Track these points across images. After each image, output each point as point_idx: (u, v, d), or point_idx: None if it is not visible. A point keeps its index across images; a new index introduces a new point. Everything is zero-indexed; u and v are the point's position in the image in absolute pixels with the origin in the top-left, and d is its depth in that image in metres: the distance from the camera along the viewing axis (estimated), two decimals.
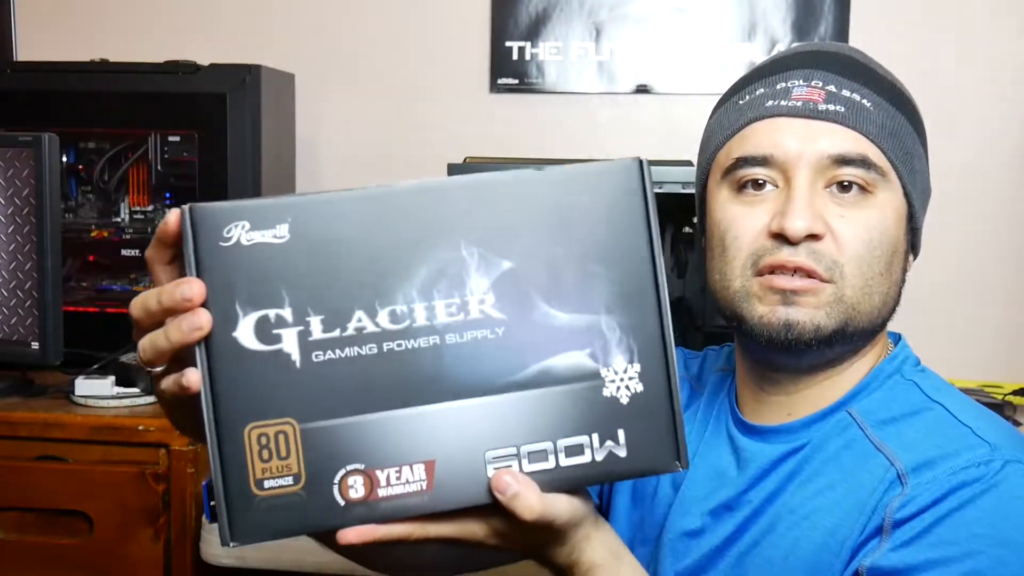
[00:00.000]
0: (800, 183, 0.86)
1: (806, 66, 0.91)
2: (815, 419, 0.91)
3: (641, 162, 0.72)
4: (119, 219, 2.02)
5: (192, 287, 0.67)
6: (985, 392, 1.86)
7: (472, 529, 0.72)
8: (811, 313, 0.86)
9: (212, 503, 0.69)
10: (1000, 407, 1.77)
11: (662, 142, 2.12)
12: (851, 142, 0.87)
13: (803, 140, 0.87)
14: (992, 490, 0.80)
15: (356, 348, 0.69)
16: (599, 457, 0.72)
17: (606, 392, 0.71)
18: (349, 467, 0.69)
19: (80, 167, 2.02)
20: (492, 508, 0.71)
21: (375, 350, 0.69)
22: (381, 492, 0.69)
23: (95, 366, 1.83)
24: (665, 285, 0.73)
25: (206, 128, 1.95)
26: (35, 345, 1.73)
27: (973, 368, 1.99)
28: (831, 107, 0.88)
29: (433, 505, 0.70)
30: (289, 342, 0.68)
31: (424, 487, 0.69)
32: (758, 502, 0.90)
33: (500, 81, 2.19)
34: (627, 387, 0.72)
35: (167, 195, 2.00)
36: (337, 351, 0.68)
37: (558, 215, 0.71)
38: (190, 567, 1.68)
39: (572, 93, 2.18)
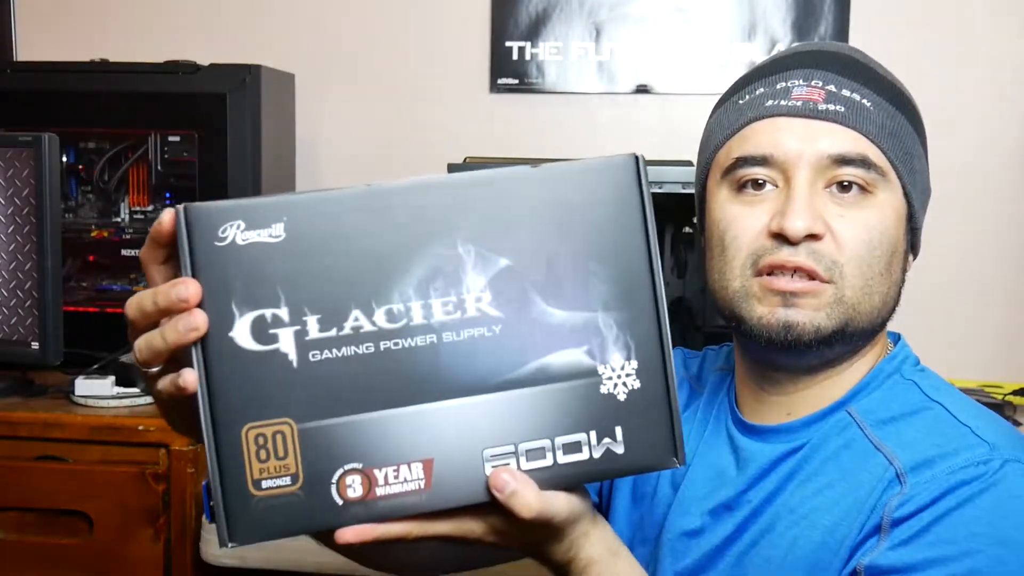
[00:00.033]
0: (800, 183, 0.86)
1: (806, 66, 0.90)
2: (814, 419, 0.91)
3: (637, 158, 0.72)
4: (119, 219, 2.02)
5: (188, 288, 0.66)
6: (985, 392, 1.86)
7: (470, 527, 0.72)
8: (811, 315, 0.86)
9: (212, 503, 0.69)
10: (1000, 407, 1.77)
11: (662, 142, 2.12)
12: (851, 142, 0.87)
13: (803, 140, 0.87)
14: (991, 489, 0.80)
15: (353, 347, 0.68)
16: (597, 454, 0.72)
17: (603, 389, 0.71)
18: (347, 466, 0.69)
19: (80, 167, 2.02)
20: (490, 506, 0.70)
21: (372, 349, 0.69)
22: (379, 491, 0.69)
23: (95, 366, 1.83)
24: (662, 281, 0.73)
25: (206, 128, 1.95)
26: (35, 345, 1.73)
27: (973, 368, 1.99)
28: (831, 107, 0.87)
29: (431, 504, 0.70)
30: (286, 342, 0.68)
31: (422, 486, 0.69)
32: (757, 502, 0.90)
33: (500, 81, 2.19)
34: (624, 384, 0.72)
35: (167, 195, 2.00)
36: (334, 350, 0.68)
37: (554, 212, 0.71)
38: (190, 567, 1.68)
39: (572, 93, 2.18)
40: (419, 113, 2.21)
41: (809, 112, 0.88)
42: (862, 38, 2.04)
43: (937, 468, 0.82)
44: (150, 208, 2.01)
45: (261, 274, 0.67)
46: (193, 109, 1.95)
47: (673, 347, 1.10)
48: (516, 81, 2.18)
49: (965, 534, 0.79)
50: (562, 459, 0.71)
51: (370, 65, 2.23)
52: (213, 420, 0.67)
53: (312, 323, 0.68)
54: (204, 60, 1.98)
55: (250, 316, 0.67)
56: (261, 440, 0.68)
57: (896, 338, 0.96)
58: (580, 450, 0.71)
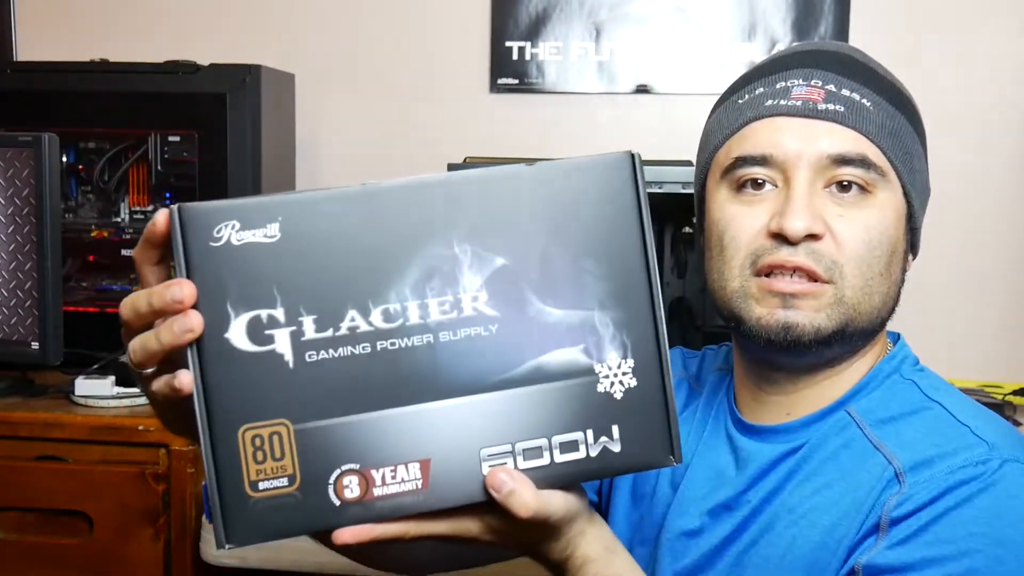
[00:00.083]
0: (799, 183, 0.86)
1: (806, 65, 0.90)
2: (814, 419, 0.91)
3: (633, 156, 0.72)
4: (119, 219, 2.02)
5: (183, 289, 0.66)
6: (985, 392, 1.86)
7: (467, 526, 0.72)
8: (811, 315, 0.86)
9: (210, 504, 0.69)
10: (1000, 407, 1.77)
11: (662, 142, 2.12)
12: (851, 142, 0.87)
13: (803, 140, 0.87)
14: (990, 489, 0.80)
15: (349, 347, 0.68)
16: (593, 453, 0.72)
17: (600, 388, 0.71)
18: (344, 467, 0.68)
19: (80, 167, 2.02)
20: (487, 505, 0.71)
21: (369, 349, 0.68)
22: (376, 492, 0.69)
23: (95, 366, 1.83)
24: (658, 280, 0.73)
25: (206, 128, 1.95)
26: (35, 345, 1.73)
27: (973, 368, 1.99)
28: (831, 107, 0.87)
29: (428, 504, 0.70)
30: (282, 342, 0.68)
31: (419, 486, 0.69)
32: (757, 502, 0.90)
33: (500, 81, 2.19)
34: (621, 382, 0.72)
35: (167, 195, 2.00)
36: (330, 351, 0.68)
37: (550, 211, 0.71)
38: (190, 567, 1.68)
39: (572, 93, 2.18)
40: (419, 113, 2.21)
41: (809, 112, 0.87)
42: (862, 38, 2.04)
43: (936, 468, 0.82)
44: (150, 208, 2.01)
45: (256, 274, 0.67)
46: (193, 109, 1.95)
47: (672, 347, 1.11)
48: (516, 81, 2.18)
49: (963, 534, 0.79)
50: (559, 458, 0.71)
51: (370, 65, 2.23)
52: (209, 421, 0.67)
53: (308, 323, 0.68)
54: (204, 60, 1.98)
55: (246, 317, 0.67)
56: (258, 441, 0.68)
57: (895, 338, 0.96)
58: (577, 449, 0.71)
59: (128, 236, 2.01)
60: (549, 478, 0.71)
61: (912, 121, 0.92)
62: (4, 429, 1.70)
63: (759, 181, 0.88)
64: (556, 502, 0.72)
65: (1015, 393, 1.85)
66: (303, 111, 2.19)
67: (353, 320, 0.68)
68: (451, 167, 1.70)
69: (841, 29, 2.07)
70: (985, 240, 2.07)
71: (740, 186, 0.89)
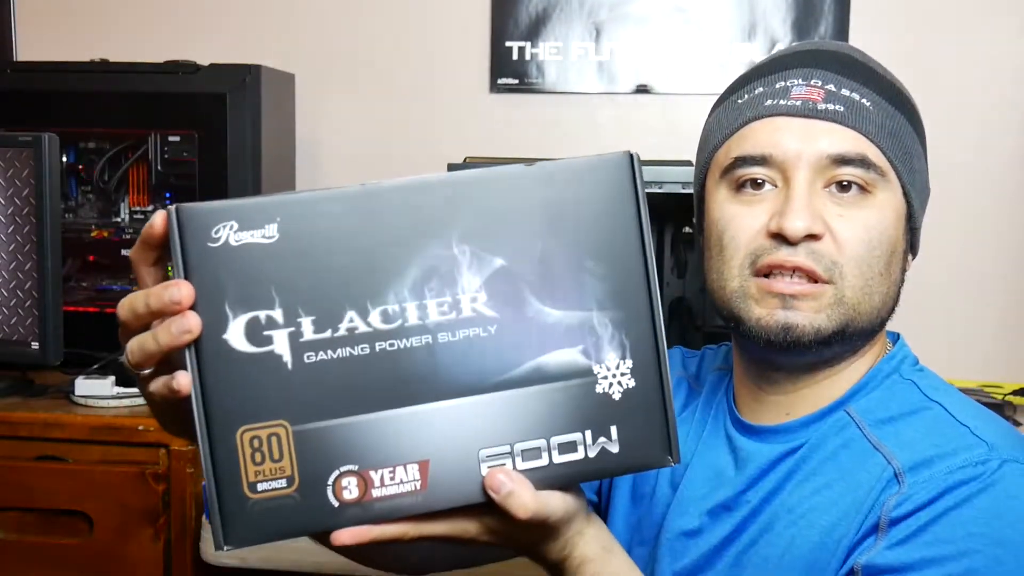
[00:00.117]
0: (799, 183, 0.86)
1: (805, 65, 0.90)
2: (813, 419, 0.91)
3: (632, 156, 0.72)
4: (119, 219, 2.02)
5: (181, 289, 0.66)
6: (985, 392, 1.86)
7: (465, 527, 0.72)
8: (811, 316, 0.86)
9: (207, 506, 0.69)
10: (1000, 407, 1.77)
11: (662, 142, 2.12)
12: (850, 142, 0.87)
13: (802, 140, 0.87)
14: (989, 489, 0.80)
15: (348, 348, 0.68)
16: (592, 453, 0.72)
17: (599, 389, 0.71)
18: (343, 468, 0.68)
19: (80, 167, 2.02)
20: (486, 506, 0.70)
21: (367, 350, 0.68)
22: (375, 493, 0.69)
23: (95, 366, 1.83)
24: (657, 280, 0.72)
25: (206, 128, 1.95)
26: (35, 345, 1.73)
27: (973, 368, 1.99)
28: (830, 106, 0.87)
29: (427, 505, 0.70)
30: (280, 343, 0.67)
31: (418, 487, 0.69)
32: (756, 502, 0.90)
33: (500, 81, 2.19)
34: (619, 383, 0.72)
35: (167, 195, 2.00)
36: (329, 352, 0.68)
37: (549, 211, 0.71)
38: (190, 567, 1.68)
39: (572, 93, 2.18)
40: (419, 113, 2.21)
41: (808, 112, 0.87)
42: (862, 38, 2.04)
43: (935, 468, 0.82)
44: (150, 208, 2.01)
45: (255, 275, 0.67)
46: (193, 109, 1.95)
47: (672, 346, 1.11)
48: (516, 81, 2.18)
49: (962, 534, 0.79)
50: (558, 459, 0.71)
51: (370, 65, 2.23)
52: (207, 423, 0.67)
53: (307, 324, 0.68)
54: (204, 60, 1.98)
55: (244, 318, 0.67)
56: (256, 442, 0.67)
57: (895, 338, 0.96)
58: (575, 450, 0.71)
59: (128, 236, 2.01)
60: (548, 479, 0.71)
61: (912, 121, 0.91)
62: (4, 429, 1.70)
63: (759, 181, 0.88)
64: (555, 503, 0.72)
65: (1015, 393, 1.85)
66: (303, 111, 2.19)
67: (352, 321, 0.68)
68: (451, 167, 1.70)
69: (841, 29, 2.07)
70: (985, 240, 2.07)
71: (739, 186, 0.89)
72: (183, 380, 0.66)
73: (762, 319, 0.86)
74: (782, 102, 0.89)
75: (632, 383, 0.72)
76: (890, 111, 0.89)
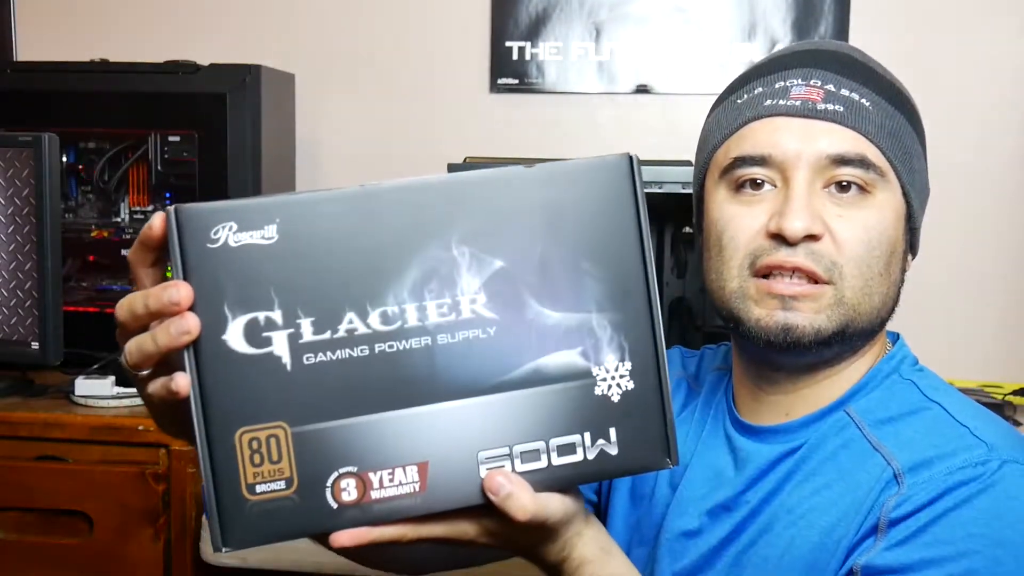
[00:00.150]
0: (798, 183, 0.86)
1: (805, 65, 0.90)
2: (813, 419, 0.91)
3: (631, 158, 0.72)
4: (119, 219, 2.02)
5: (179, 290, 0.66)
6: (985, 392, 1.86)
7: (464, 529, 0.72)
8: (811, 317, 0.85)
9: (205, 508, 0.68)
10: (1000, 407, 1.77)
11: (662, 142, 2.12)
12: (850, 142, 0.87)
13: (802, 140, 0.87)
14: (989, 490, 0.80)
15: (347, 350, 0.68)
16: (591, 456, 0.71)
17: (598, 391, 0.71)
18: (342, 470, 0.68)
19: (80, 167, 2.02)
20: (484, 508, 0.70)
21: (366, 352, 0.68)
22: (374, 494, 0.69)
23: (95, 366, 1.83)
24: (656, 282, 0.72)
25: (206, 128, 1.95)
26: (35, 345, 1.73)
27: (973, 368, 1.99)
28: (830, 106, 0.87)
29: (426, 507, 0.69)
30: (279, 345, 0.67)
31: (417, 489, 0.69)
32: (756, 502, 0.90)
33: (500, 81, 2.19)
34: (618, 385, 0.72)
35: (167, 195, 2.00)
36: (328, 353, 0.68)
37: (548, 213, 0.70)
38: (190, 567, 1.68)
39: (572, 93, 2.18)
40: (419, 113, 2.21)
41: (808, 112, 0.87)
42: (862, 38, 2.04)
43: (935, 469, 0.82)
44: (150, 208, 2.01)
45: (254, 276, 0.67)
46: (193, 109, 1.95)
47: (671, 346, 1.10)
48: (516, 81, 2.18)
49: (962, 535, 0.79)
50: (556, 461, 0.71)
51: (370, 65, 2.23)
52: (206, 424, 0.67)
53: (306, 326, 0.67)
54: (204, 60, 1.98)
55: (243, 319, 0.67)
56: (255, 444, 0.67)
57: (895, 338, 0.96)
58: (574, 452, 0.71)
59: (128, 236, 2.01)
60: (546, 481, 0.71)
61: (911, 121, 0.91)
62: (4, 429, 1.70)
63: (758, 181, 0.88)
64: (554, 505, 0.72)
65: (1015, 393, 1.85)
66: (303, 111, 2.19)
67: (351, 322, 0.68)
68: (451, 167, 1.70)
69: (841, 29, 2.07)
70: (985, 240, 2.07)
71: (739, 186, 0.89)
72: (182, 381, 0.66)
73: (761, 320, 0.86)
74: (781, 102, 0.88)
75: (631, 385, 0.72)
76: (890, 111, 0.89)
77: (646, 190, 0.73)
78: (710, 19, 2.12)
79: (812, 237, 0.85)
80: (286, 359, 0.67)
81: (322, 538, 0.70)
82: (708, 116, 0.97)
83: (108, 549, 1.67)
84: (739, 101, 0.92)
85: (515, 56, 2.18)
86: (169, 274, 0.68)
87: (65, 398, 1.79)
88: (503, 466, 0.70)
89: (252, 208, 0.67)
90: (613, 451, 0.72)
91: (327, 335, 0.68)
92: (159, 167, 1.98)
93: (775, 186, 0.88)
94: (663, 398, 0.72)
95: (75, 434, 1.69)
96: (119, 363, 0.70)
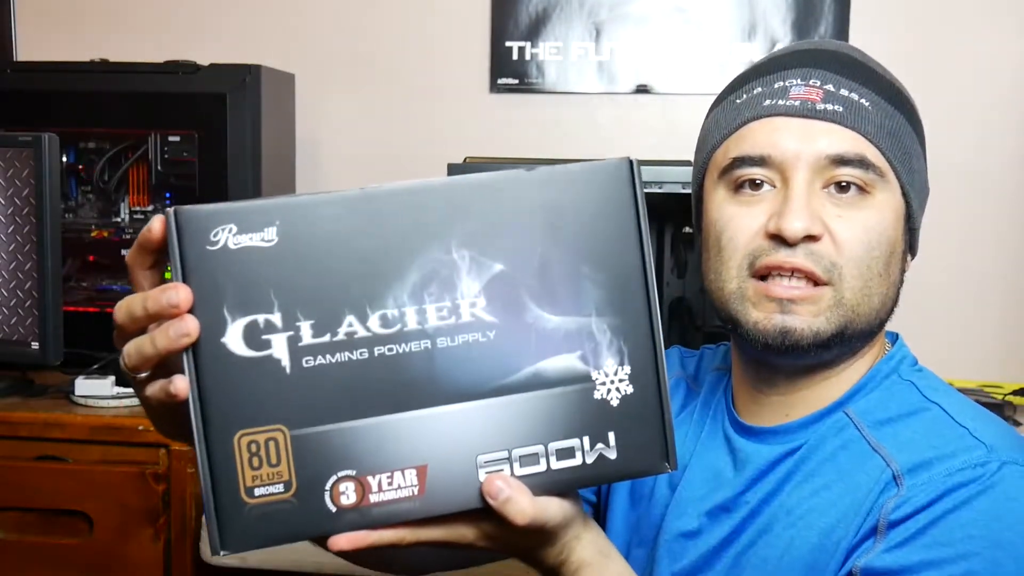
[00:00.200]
0: (798, 183, 0.86)
1: (804, 65, 0.90)
2: (812, 420, 0.91)
3: (631, 162, 0.72)
4: (119, 219, 2.02)
5: (179, 293, 0.65)
6: (984, 392, 1.86)
7: (462, 532, 0.72)
8: (809, 320, 0.85)
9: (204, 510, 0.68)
10: (1000, 407, 1.77)
11: (662, 142, 2.12)
12: (849, 142, 0.86)
13: (801, 140, 0.86)
14: (988, 492, 0.80)
15: (347, 353, 0.68)
16: (590, 460, 0.71)
17: (597, 395, 0.71)
18: (340, 473, 0.68)
19: (80, 167, 2.02)
20: (483, 512, 0.70)
21: (366, 355, 0.68)
22: (373, 498, 0.68)
23: (95, 366, 1.83)
24: (655, 286, 0.72)
25: (206, 128, 1.95)
26: (35, 345, 1.73)
27: (972, 368, 1.99)
28: (829, 107, 0.87)
29: (425, 510, 0.69)
30: (279, 347, 0.67)
31: (416, 492, 0.69)
32: (755, 503, 0.90)
33: (500, 81, 2.19)
34: (617, 389, 0.71)
35: (167, 195, 2.00)
36: (328, 356, 0.68)
37: (548, 216, 0.70)
38: (190, 567, 1.68)
39: (572, 93, 2.18)
40: (419, 113, 2.21)
41: (807, 112, 0.87)
42: (862, 38, 2.04)
43: (934, 470, 0.82)
44: (150, 208, 2.01)
45: (253, 279, 0.66)
46: (193, 109, 1.95)
47: (670, 346, 1.10)
48: (516, 81, 2.18)
49: (961, 536, 0.79)
50: (555, 465, 0.71)
51: (370, 65, 2.23)
52: (205, 427, 0.66)
53: (305, 328, 0.67)
54: (204, 60, 1.98)
55: (242, 321, 0.66)
56: (254, 447, 0.67)
57: (894, 338, 0.96)
58: (573, 456, 0.71)
59: (128, 236, 2.01)
60: (545, 485, 0.71)
61: (911, 121, 0.91)
62: (4, 429, 1.71)
63: (757, 181, 0.88)
64: (553, 509, 0.72)
65: (1015, 393, 1.85)
66: (303, 111, 2.19)
67: (351, 325, 0.68)
68: (451, 167, 1.70)
69: (841, 29, 2.07)
70: (985, 240, 2.07)
71: (738, 186, 0.89)
72: (180, 384, 0.66)
73: (759, 323, 0.86)
74: (781, 102, 0.88)
75: (630, 389, 0.72)
76: (889, 111, 0.89)
77: (646, 190, 0.73)
78: (710, 19, 2.12)
79: (811, 238, 0.85)
80: (285, 362, 0.67)
81: (321, 541, 0.70)
82: (707, 116, 0.97)
83: (108, 549, 1.67)
84: (738, 101, 0.92)
85: (515, 56, 2.18)
86: (168, 276, 0.68)
87: (65, 398, 1.79)
88: (502, 470, 0.70)
89: (252, 210, 0.67)
90: (612, 455, 0.72)
91: (326, 338, 0.68)
92: (159, 167, 1.98)
93: (774, 186, 0.87)
94: (662, 402, 0.72)
95: (75, 434, 1.70)
96: (119, 363, 0.70)
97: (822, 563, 0.84)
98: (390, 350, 0.68)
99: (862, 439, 0.87)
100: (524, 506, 0.69)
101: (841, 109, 0.87)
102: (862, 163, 0.86)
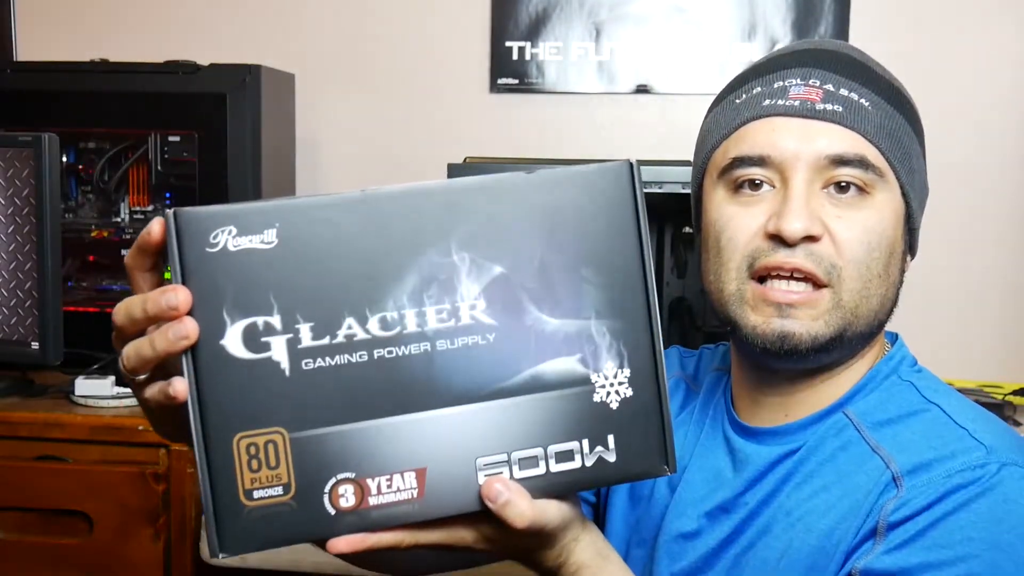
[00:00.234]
0: (797, 184, 0.85)
1: (804, 65, 0.90)
2: (812, 421, 0.91)
3: (631, 165, 0.72)
4: (119, 219, 2.02)
5: (178, 295, 0.65)
6: (985, 392, 1.86)
7: (462, 535, 0.72)
8: (808, 324, 0.85)
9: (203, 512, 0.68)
10: (1000, 407, 1.77)
11: (662, 142, 2.12)
12: (849, 142, 0.86)
13: (800, 140, 0.86)
14: (987, 493, 0.79)
15: (346, 355, 0.68)
16: (589, 463, 0.71)
17: (596, 398, 0.71)
18: (340, 476, 0.68)
19: (80, 167, 2.02)
20: (482, 514, 0.70)
21: (365, 357, 0.68)
22: (372, 501, 0.68)
23: (95, 366, 1.83)
24: (655, 289, 0.72)
25: (206, 128, 1.95)
26: (35, 345, 1.73)
27: (972, 368, 1.99)
28: (829, 107, 0.87)
29: (424, 513, 0.69)
30: (278, 350, 0.67)
31: (415, 495, 0.69)
32: (754, 504, 0.90)
33: (500, 81, 2.19)
34: (617, 392, 0.71)
35: (167, 195, 2.00)
36: (327, 359, 0.68)
37: (548, 219, 0.70)
38: (190, 567, 1.68)
39: (572, 93, 2.18)
40: (419, 113, 2.21)
41: (807, 112, 0.87)
42: (862, 38, 2.04)
43: (934, 472, 0.82)
44: (150, 208, 2.01)
45: (253, 281, 0.66)
46: (193, 109, 1.95)
47: (669, 346, 1.10)
48: (516, 81, 2.18)
49: (961, 538, 0.78)
50: (555, 467, 0.71)
51: (370, 65, 2.23)
52: (204, 429, 0.66)
53: (305, 331, 0.67)
54: (204, 60, 1.98)
55: (242, 324, 0.66)
56: (253, 449, 0.67)
57: (893, 338, 0.96)
58: (572, 459, 0.71)
59: (128, 236, 2.01)
60: (544, 488, 0.71)
61: (911, 121, 0.91)
62: (4, 429, 1.71)
63: (756, 182, 0.88)
64: (552, 511, 0.72)
65: (1015, 393, 1.85)
66: (303, 111, 2.19)
67: (350, 328, 0.68)
68: (451, 167, 1.70)
69: (841, 29, 2.07)
70: (985, 240, 2.07)
71: (737, 187, 0.89)
72: (179, 386, 0.66)
73: (758, 327, 0.86)
74: (780, 102, 0.88)
75: (630, 392, 0.72)
76: (889, 111, 0.89)
77: (646, 190, 0.72)
78: (710, 19, 2.12)
79: (811, 238, 0.85)
80: (285, 364, 0.67)
81: (320, 543, 0.70)
82: (706, 116, 0.97)
83: (108, 549, 1.67)
84: (737, 101, 0.92)
85: (515, 56, 2.17)
86: (168, 277, 0.68)
87: (65, 398, 1.79)
88: (501, 473, 0.70)
89: (251, 212, 0.67)
90: (611, 458, 0.72)
91: (326, 340, 0.67)
92: (159, 167, 1.98)
93: (774, 187, 0.87)
94: (661, 405, 0.72)
95: (75, 434, 1.70)
96: (118, 364, 0.70)
97: (821, 564, 0.84)
98: (390, 352, 0.68)
99: (862, 440, 0.87)
100: (523, 509, 0.69)
101: (841, 109, 0.87)
102: (862, 163, 0.86)
